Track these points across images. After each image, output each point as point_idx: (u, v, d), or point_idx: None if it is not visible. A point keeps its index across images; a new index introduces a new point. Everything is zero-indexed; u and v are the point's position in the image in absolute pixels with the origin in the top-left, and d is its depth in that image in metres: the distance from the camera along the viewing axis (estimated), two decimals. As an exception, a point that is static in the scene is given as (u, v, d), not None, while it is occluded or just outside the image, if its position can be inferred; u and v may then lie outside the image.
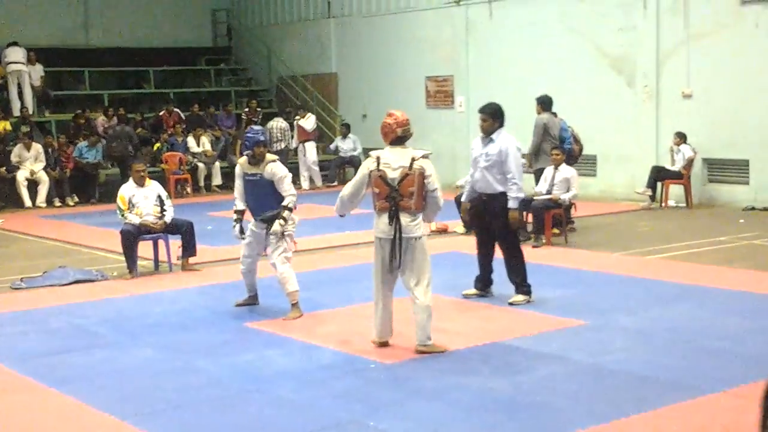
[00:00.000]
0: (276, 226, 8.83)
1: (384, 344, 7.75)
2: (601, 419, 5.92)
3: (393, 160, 7.51)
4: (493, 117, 9.13)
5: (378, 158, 7.58)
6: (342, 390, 6.73)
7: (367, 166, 7.63)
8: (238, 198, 9.22)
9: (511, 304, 9.13)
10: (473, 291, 9.53)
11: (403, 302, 7.78)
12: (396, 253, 7.46)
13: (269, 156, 9.07)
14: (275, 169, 8.97)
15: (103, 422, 6.22)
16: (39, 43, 22.33)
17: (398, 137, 7.60)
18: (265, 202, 8.94)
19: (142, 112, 21.96)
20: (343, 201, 7.78)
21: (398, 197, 7.43)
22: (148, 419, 6.20)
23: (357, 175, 7.72)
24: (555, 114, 13.63)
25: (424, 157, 7.55)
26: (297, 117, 21.06)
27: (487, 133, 9.15)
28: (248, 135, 9.06)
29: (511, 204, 9.03)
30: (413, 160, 7.47)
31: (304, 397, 6.60)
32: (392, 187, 7.45)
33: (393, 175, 7.47)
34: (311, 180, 21.01)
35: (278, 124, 20.55)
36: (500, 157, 9.03)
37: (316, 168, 21.08)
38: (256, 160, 8.98)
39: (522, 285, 9.24)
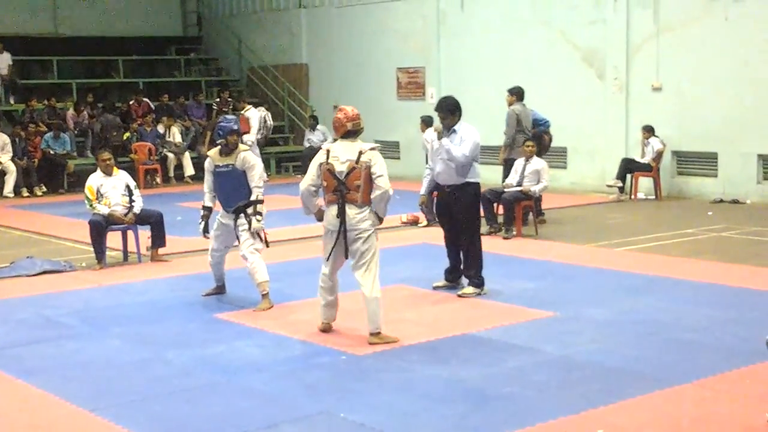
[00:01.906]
0: (254, 223, 8.83)
1: (327, 329, 7.87)
2: (570, 410, 5.94)
3: (342, 153, 7.59)
4: (451, 113, 9.16)
5: (328, 151, 7.68)
6: (312, 381, 6.71)
7: (318, 158, 7.72)
8: (207, 194, 9.17)
9: (460, 295, 9.15)
10: (443, 282, 9.53)
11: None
12: (342, 245, 7.54)
13: (241, 146, 9.08)
14: (247, 156, 8.97)
15: (71, 414, 6.17)
16: (6, 31, 22.10)
17: (348, 131, 7.67)
18: (236, 193, 8.90)
19: (112, 101, 21.79)
20: (304, 199, 7.80)
21: (345, 190, 7.52)
22: (117, 410, 6.15)
23: (310, 168, 7.78)
24: (524, 105, 13.64)
25: (372, 149, 7.62)
26: (243, 108, 20.33)
27: (449, 128, 9.18)
28: (221, 124, 9.07)
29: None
30: (360, 153, 7.54)
31: (275, 388, 6.58)
32: (339, 180, 7.53)
33: (340, 168, 7.55)
34: None
35: (259, 113, 20.32)
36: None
37: None
38: (229, 150, 8.96)
39: (476, 277, 9.25)
